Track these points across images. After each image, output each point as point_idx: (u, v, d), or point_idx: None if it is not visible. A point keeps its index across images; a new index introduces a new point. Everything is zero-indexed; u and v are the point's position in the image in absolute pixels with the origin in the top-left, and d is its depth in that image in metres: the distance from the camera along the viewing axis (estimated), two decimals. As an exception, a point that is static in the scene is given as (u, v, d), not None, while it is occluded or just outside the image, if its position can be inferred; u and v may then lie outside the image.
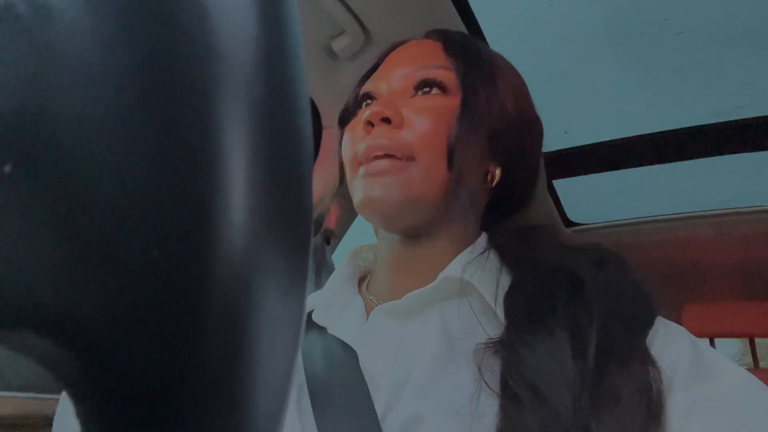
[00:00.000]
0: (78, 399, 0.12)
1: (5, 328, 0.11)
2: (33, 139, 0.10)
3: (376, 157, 0.50)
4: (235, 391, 0.12)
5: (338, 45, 0.81)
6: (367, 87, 0.57)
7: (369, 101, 0.57)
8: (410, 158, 0.50)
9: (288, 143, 0.13)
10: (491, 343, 0.46)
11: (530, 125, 0.59)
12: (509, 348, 0.45)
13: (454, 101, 0.53)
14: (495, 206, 0.59)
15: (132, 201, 0.10)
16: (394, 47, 0.60)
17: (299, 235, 0.13)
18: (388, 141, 0.50)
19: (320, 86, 0.91)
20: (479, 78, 0.54)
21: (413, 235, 0.55)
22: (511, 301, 0.49)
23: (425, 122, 0.51)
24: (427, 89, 0.54)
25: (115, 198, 0.10)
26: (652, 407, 0.41)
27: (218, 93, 0.11)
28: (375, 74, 0.58)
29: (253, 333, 0.12)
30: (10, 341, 0.11)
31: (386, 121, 0.51)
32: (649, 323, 0.46)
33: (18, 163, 0.10)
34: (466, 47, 0.56)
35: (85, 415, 0.12)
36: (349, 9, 0.76)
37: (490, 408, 0.43)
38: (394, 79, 0.55)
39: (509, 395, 0.43)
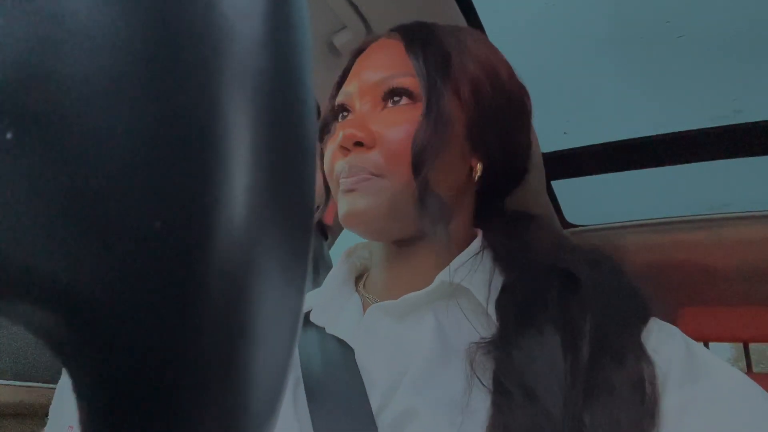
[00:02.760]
0: (75, 373, 0.12)
1: (4, 298, 0.11)
2: (36, 104, 0.10)
3: (352, 176, 0.51)
4: (232, 371, 0.12)
5: (340, 40, 0.81)
6: (340, 98, 0.57)
7: (345, 113, 0.57)
8: (383, 176, 0.51)
9: (292, 121, 0.13)
10: (483, 343, 0.46)
11: (511, 99, 0.57)
12: (501, 349, 0.45)
13: (420, 108, 0.52)
14: (488, 191, 0.59)
15: (134, 171, 0.10)
16: (360, 50, 0.60)
17: (301, 213, 0.13)
18: (361, 164, 0.51)
19: (321, 81, 0.90)
20: (442, 76, 0.52)
21: (402, 242, 0.55)
22: (503, 303, 0.49)
23: (394, 138, 0.51)
24: (396, 98, 0.53)
25: (117, 167, 0.10)
26: (646, 401, 0.41)
27: (222, 66, 0.11)
28: (345, 83, 0.58)
29: (253, 310, 0.12)
30: (9, 312, 0.11)
31: (359, 144, 0.51)
32: (644, 320, 0.47)
33: (20, 128, 0.10)
34: (427, 44, 0.55)
35: (81, 390, 0.12)
36: (350, 3, 0.76)
37: (482, 404, 0.43)
38: (364, 90, 0.55)
39: (502, 392, 0.43)
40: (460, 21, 0.81)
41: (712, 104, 1.15)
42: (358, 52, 0.59)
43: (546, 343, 0.44)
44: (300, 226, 0.14)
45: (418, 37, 0.56)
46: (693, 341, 0.48)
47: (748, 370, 1.84)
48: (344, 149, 0.52)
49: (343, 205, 0.52)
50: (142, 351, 0.11)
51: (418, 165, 0.50)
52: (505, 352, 0.45)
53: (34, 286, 0.11)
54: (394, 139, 0.51)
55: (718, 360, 0.46)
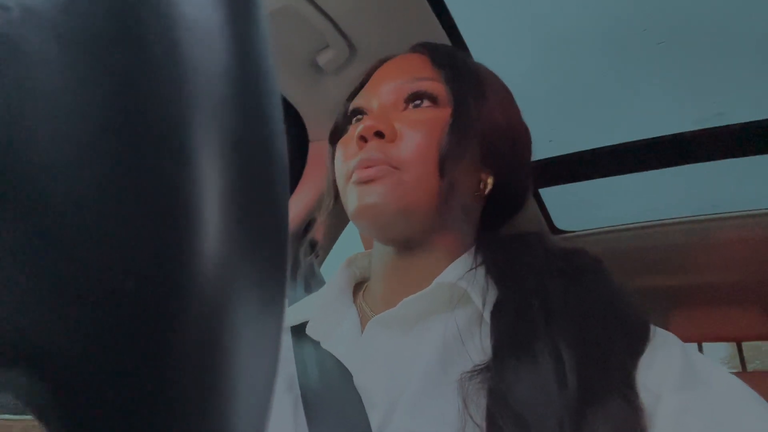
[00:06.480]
0: (50, 428, 0.12)
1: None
2: (4, 174, 0.10)
3: (368, 167, 0.51)
4: (212, 423, 0.12)
5: (323, 59, 0.82)
6: (357, 102, 0.57)
7: (360, 116, 0.57)
8: (401, 169, 0.51)
9: (262, 174, 0.13)
10: (477, 371, 0.45)
11: (519, 134, 0.59)
12: (495, 378, 0.44)
13: (444, 113, 0.53)
14: (489, 214, 0.60)
15: (104, 233, 0.11)
16: (381, 62, 0.61)
17: (275, 262, 0.13)
18: (381, 154, 0.51)
19: (306, 100, 0.91)
20: (469, 89, 0.55)
21: (407, 245, 0.55)
22: (496, 323, 0.48)
23: (417, 135, 0.52)
24: (418, 102, 0.54)
25: (87, 231, 0.10)
26: None
27: (189, 126, 0.11)
28: (364, 89, 0.58)
29: (229, 362, 0.12)
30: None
31: (379, 135, 0.52)
32: (639, 352, 0.44)
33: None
34: (454, 59, 0.57)
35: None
36: (333, 23, 0.77)
37: None
38: (384, 93, 0.55)
39: (495, 430, 0.41)
40: (443, 36, 0.82)
41: (694, 108, 1.17)
42: (380, 63, 0.61)
43: (540, 373, 0.43)
44: (274, 269, 0.14)
45: (443, 52, 0.58)
46: (690, 348, 0.47)
47: (743, 369, 1.84)
48: (362, 141, 0.52)
49: (353, 198, 0.52)
50: (118, 407, 0.11)
51: (445, 163, 0.51)
52: (498, 384, 0.43)
53: (9, 347, 0.11)
54: (416, 136, 0.52)
55: (716, 367, 0.45)
